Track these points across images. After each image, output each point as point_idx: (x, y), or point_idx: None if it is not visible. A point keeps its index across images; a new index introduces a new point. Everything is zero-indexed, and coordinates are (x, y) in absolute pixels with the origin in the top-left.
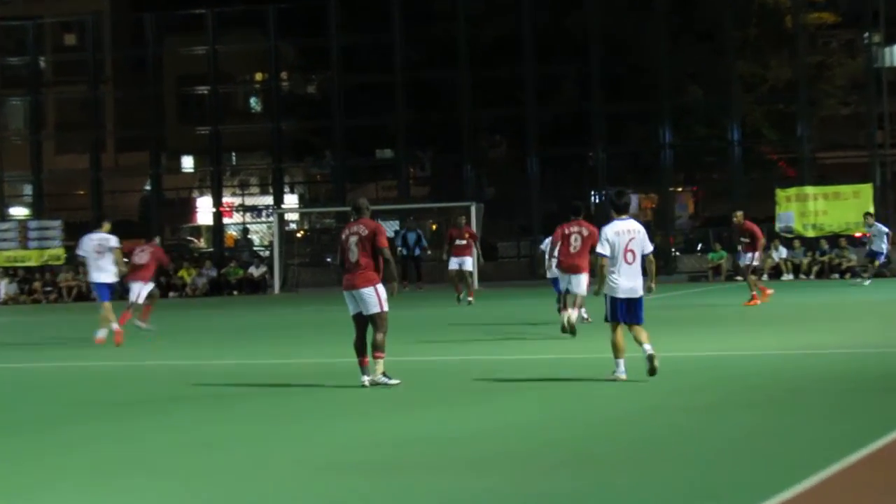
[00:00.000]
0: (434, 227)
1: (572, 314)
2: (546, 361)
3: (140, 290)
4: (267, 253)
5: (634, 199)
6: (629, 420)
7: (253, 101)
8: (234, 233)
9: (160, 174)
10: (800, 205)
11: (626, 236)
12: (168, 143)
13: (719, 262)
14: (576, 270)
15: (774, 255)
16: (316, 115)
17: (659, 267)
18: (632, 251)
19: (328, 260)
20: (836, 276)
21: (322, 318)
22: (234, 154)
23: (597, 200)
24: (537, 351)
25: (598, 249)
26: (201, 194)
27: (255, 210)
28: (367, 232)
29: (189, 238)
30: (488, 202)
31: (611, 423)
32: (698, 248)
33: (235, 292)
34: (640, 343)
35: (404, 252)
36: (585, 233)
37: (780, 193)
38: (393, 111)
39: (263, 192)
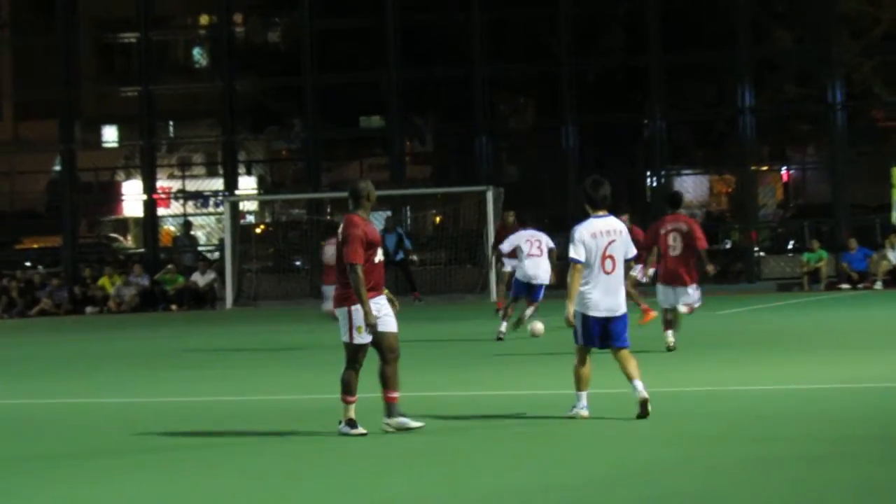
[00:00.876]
0: (438, 219)
1: (669, 337)
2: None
3: None
4: (216, 255)
5: (702, 181)
6: (738, 467)
7: (197, 52)
8: (173, 228)
9: (73, 150)
10: None
11: (605, 239)
12: (83, 109)
13: (818, 266)
14: (681, 281)
15: (891, 257)
16: (281, 70)
17: (737, 272)
18: (611, 257)
19: (297, 264)
20: None
21: (287, 341)
22: (171, 123)
23: (653, 184)
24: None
25: (571, 254)
26: (128, 177)
27: (201, 198)
28: (342, 235)
29: (112, 235)
30: (509, 186)
31: (726, 470)
32: (789, 246)
33: (174, 307)
34: (629, 378)
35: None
36: (685, 228)
37: None
38: (383, 65)
39: (211, 174)
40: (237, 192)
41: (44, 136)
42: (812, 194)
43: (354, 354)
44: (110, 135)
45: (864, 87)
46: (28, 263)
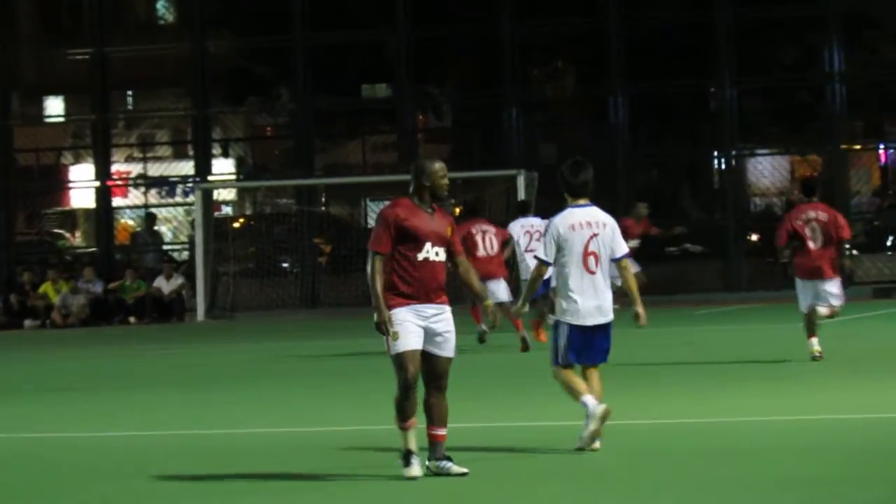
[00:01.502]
0: (458, 209)
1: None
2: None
3: None
4: (185, 255)
5: (781, 163)
6: None
7: (161, 6)
8: (132, 222)
9: (9, 126)
10: None
11: (587, 232)
12: (23, 76)
13: None
14: (823, 274)
15: None
16: (264, 29)
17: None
18: (594, 254)
19: (285, 266)
20: None
21: (272, 359)
22: (129, 94)
23: (722, 166)
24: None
25: (538, 253)
26: (77, 160)
27: (166, 185)
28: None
29: (56, 231)
30: (545, 168)
31: None
32: (889, 242)
33: (133, 319)
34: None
35: None
36: (824, 217)
37: None
38: (390, 23)
39: (179, 156)
40: (210, 177)
41: None
42: None
43: (396, 368)
44: (55, 108)
45: None
46: None
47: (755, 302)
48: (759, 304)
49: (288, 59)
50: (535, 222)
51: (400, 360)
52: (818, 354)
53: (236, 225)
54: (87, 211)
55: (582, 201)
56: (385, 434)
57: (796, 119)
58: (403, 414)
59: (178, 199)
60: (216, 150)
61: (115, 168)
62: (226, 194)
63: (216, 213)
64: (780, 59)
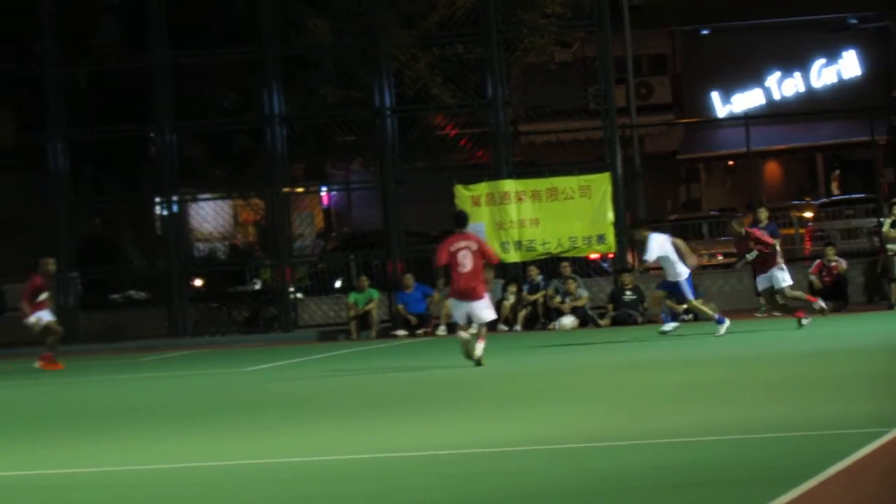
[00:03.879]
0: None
1: None
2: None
3: None
4: None
5: (223, 208)
6: None
7: None
8: None
9: None
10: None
11: None
12: None
13: (367, 308)
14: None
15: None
16: None
17: (269, 318)
18: None
19: None
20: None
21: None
22: None
23: (163, 211)
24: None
25: None
26: None
27: None
28: None
29: None
30: None
31: None
32: (337, 285)
33: None
34: None
35: None
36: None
37: None
38: None
39: None
40: None
41: None
42: (359, 220)
43: None
44: None
45: (419, 87)
46: None
47: (199, 347)
48: (204, 350)
49: None
50: None
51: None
52: None
53: None
54: None
55: None
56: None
57: (237, 162)
58: None
59: None
60: None
61: None
62: None
63: None
64: (219, 103)
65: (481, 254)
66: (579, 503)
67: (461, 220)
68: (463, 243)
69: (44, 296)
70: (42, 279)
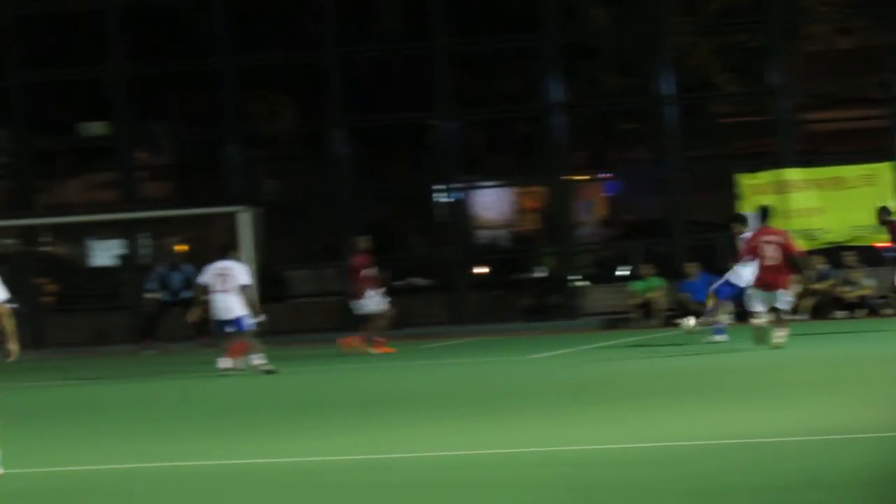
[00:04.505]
0: (182, 249)
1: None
2: None
3: None
4: None
5: (503, 195)
6: None
7: None
8: None
9: None
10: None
11: None
12: None
13: (650, 296)
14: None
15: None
16: None
17: (551, 306)
18: None
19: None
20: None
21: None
22: None
23: (443, 199)
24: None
25: None
26: None
27: None
28: None
29: None
30: (271, 205)
31: None
32: (617, 273)
33: None
34: None
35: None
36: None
37: None
38: (104, 60)
39: None
40: None
41: None
42: (641, 208)
43: None
44: None
45: (701, 75)
46: None
47: (482, 335)
48: (487, 337)
49: (5, 99)
50: (228, 265)
51: None
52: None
53: None
54: None
55: None
56: None
57: (519, 150)
58: None
59: None
60: None
61: None
62: None
63: None
64: (501, 91)
65: (785, 247)
66: None
67: (765, 214)
68: (770, 237)
69: (370, 271)
70: (363, 257)
